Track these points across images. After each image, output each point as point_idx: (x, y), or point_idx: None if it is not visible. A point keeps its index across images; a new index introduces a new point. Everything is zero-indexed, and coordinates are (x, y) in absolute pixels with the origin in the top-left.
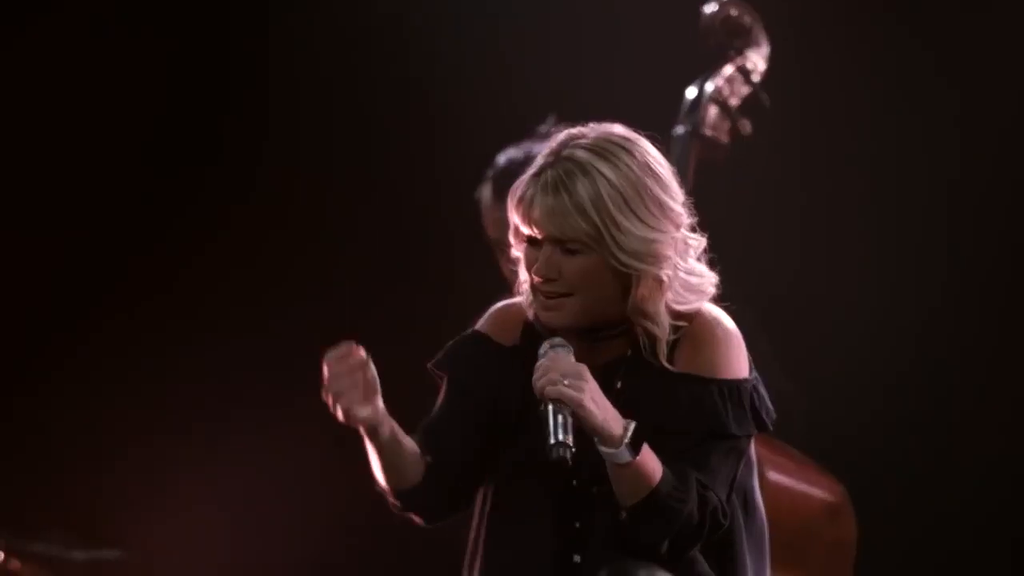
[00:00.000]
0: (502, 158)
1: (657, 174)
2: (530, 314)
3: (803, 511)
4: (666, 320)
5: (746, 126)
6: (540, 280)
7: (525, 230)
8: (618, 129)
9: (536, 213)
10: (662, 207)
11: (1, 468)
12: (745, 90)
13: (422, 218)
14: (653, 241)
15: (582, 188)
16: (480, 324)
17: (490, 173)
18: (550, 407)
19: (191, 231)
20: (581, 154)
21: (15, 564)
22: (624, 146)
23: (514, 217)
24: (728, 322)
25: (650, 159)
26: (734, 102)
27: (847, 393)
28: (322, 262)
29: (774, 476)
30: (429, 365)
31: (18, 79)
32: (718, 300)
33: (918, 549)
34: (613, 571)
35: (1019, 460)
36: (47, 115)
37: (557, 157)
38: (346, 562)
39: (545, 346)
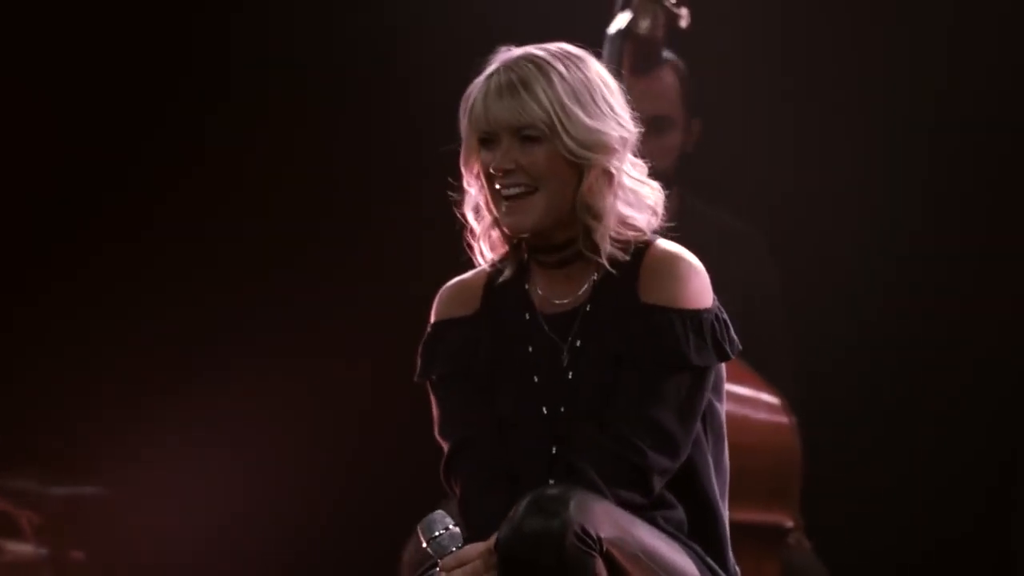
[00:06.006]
0: None
1: (607, 83)
2: (485, 248)
3: (742, 431)
4: (612, 221)
5: (685, 18)
6: (500, 174)
7: (482, 128)
8: (573, 47)
9: (493, 107)
10: (610, 107)
11: None
12: None
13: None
14: (599, 131)
15: (535, 81)
16: (435, 313)
17: None
18: None
19: (182, 165)
20: (539, 54)
21: None
22: (579, 55)
23: (467, 123)
24: (687, 253)
25: (602, 71)
26: None
27: (827, 328)
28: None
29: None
30: (416, 380)
31: None
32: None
33: (892, 493)
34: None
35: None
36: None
37: (509, 63)
38: (330, 504)
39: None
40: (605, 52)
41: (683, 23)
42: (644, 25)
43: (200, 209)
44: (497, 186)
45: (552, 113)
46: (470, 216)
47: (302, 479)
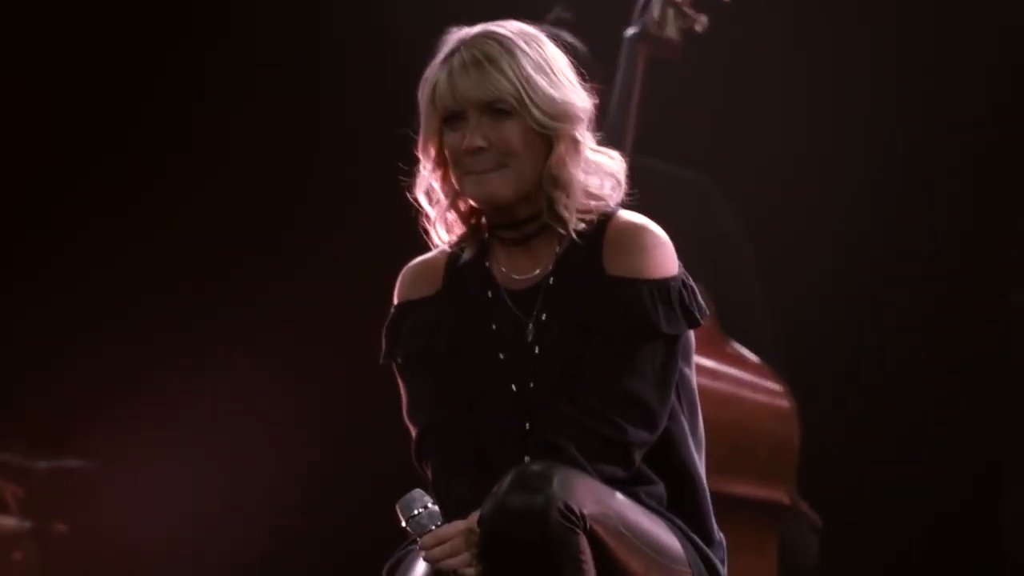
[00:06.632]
0: None
1: (563, 58)
2: (447, 229)
3: (744, 418)
4: (579, 193)
5: (702, 23)
6: (472, 150)
7: (448, 107)
8: (527, 26)
9: (460, 84)
10: (570, 80)
11: None
12: None
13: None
14: (565, 101)
15: (499, 56)
16: (398, 294)
17: None
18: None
19: (166, 150)
20: (499, 31)
21: None
22: (534, 33)
23: (430, 105)
24: (650, 223)
25: (557, 46)
26: None
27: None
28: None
29: (714, 384)
30: (382, 362)
31: None
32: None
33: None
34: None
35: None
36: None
37: (463, 43)
38: (319, 480)
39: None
40: (622, 54)
41: (699, 28)
42: (660, 28)
43: (186, 194)
44: (467, 165)
45: (519, 86)
46: (422, 200)
47: (289, 454)
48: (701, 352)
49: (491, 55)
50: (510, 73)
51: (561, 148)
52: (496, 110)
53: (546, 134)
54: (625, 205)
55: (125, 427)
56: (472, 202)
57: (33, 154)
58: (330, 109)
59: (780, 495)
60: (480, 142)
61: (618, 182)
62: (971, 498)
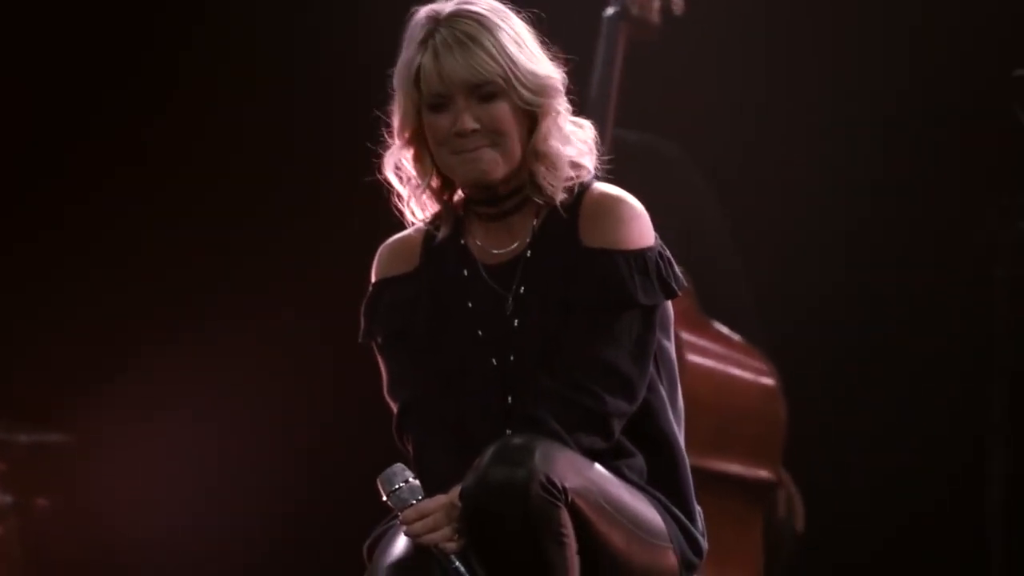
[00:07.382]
0: None
1: (530, 31)
2: (420, 208)
3: (732, 394)
4: (564, 163)
5: (678, 4)
6: (465, 132)
7: (435, 91)
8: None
9: (446, 66)
10: (543, 53)
11: None
12: None
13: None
14: (546, 75)
15: (481, 35)
16: (376, 272)
17: None
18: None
19: (144, 124)
20: (471, 8)
21: None
22: (502, 7)
23: (412, 89)
24: (625, 194)
25: (521, 19)
26: None
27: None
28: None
29: (701, 360)
30: (360, 341)
31: None
32: None
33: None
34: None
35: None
36: None
37: (439, 24)
38: (299, 450)
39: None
40: (602, 34)
41: (676, 9)
42: (640, 9)
43: (170, 172)
44: (458, 146)
45: (504, 65)
46: (393, 179)
47: (274, 430)
48: (687, 329)
49: (472, 34)
50: (494, 52)
51: (546, 122)
52: (485, 93)
53: (531, 110)
54: (601, 176)
55: (107, 402)
56: (444, 179)
57: (10, 134)
58: (305, 91)
59: (767, 473)
60: (473, 124)
61: (591, 149)
62: (956, 483)
